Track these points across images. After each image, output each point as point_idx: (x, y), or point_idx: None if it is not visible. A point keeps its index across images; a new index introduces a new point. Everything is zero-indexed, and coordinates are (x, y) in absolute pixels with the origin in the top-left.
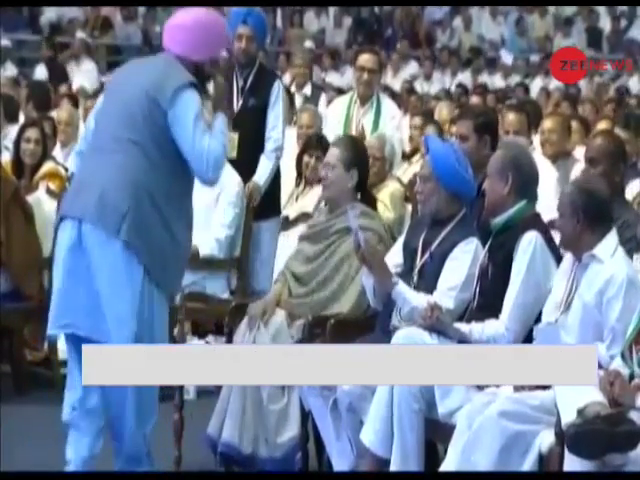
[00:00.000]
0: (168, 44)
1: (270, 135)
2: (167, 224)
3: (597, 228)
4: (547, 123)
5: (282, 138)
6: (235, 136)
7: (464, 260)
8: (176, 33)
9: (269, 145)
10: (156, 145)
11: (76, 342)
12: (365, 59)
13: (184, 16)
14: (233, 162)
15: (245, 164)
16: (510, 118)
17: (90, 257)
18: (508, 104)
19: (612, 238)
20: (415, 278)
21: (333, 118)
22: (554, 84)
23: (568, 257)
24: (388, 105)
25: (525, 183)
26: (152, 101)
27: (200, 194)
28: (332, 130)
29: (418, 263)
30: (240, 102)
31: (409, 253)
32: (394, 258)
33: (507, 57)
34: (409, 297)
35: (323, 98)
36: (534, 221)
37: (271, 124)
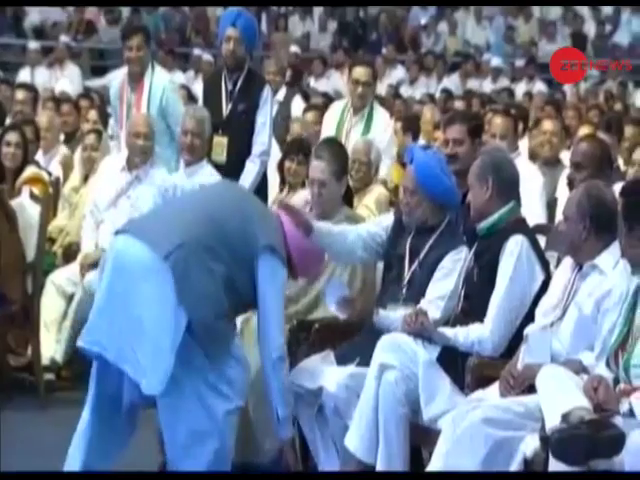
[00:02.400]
0: (288, 232)
1: (256, 140)
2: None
3: (602, 237)
4: (548, 125)
5: (269, 143)
6: (224, 140)
7: (454, 270)
8: (294, 236)
9: (255, 150)
10: (232, 265)
11: (102, 362)
12: (359, 72)
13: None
14: (221, 167)
15: (233, 169)
16: (497, 122)
17: (136, 278)
18: (494, 108)
19: (615, 249)
20: (404, 290)
21: (328, 125)
22: (537, 88)
23: (568, 261)
24: (380, 119)
25: (506, 185)
26: (245, 235)
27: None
28: (328, 134)
29: (407, 273)
30: (229, 106)
31: (396, 259)
32: (377, 228)
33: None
34: (393, 318)
35: (297, 99)
36: (519, 225)
37: (258, 129)
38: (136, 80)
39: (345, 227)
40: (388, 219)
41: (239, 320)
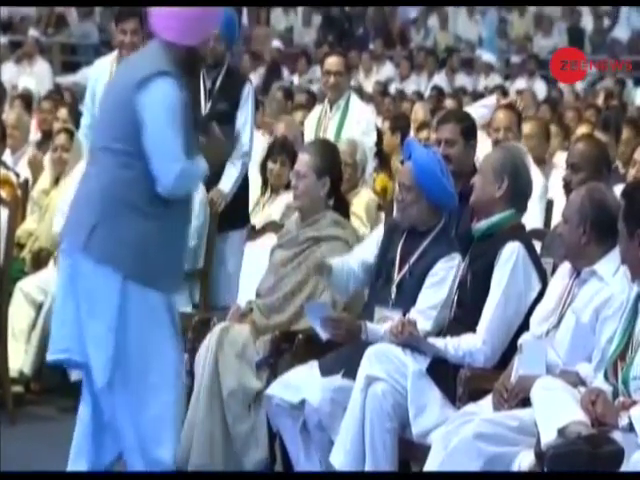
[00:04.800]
0: (157, 30)
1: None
2: (153, 226)
3: (602, 242)
4: (526, 127)
5: (250, 144)
6: (203, 142)
7: (446, 278)
8: (165, 19)
9: (236, 151)
10: (131, 146)
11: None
12: (330, 62)
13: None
14: None
15: (213, 172)
16: (500, 116)
17: (75, 279)
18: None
19: (616, 256)
20: (393, 295)
21: (309, 124)
22: (537, 86)
23: (565, 266)
24: (356, 109)
25: (519, 192)
26: (124, 95)
27: None
28: (308, 137)
29: (396, 277)
30: (208, 105)
31: (385, 264)
32: (365, 252)
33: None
34: (382, 332)
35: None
36: (517, 231)
37: (239, 129)
38: None
39: (340, 262)
40: (377, 234)
41: (218, 328)
